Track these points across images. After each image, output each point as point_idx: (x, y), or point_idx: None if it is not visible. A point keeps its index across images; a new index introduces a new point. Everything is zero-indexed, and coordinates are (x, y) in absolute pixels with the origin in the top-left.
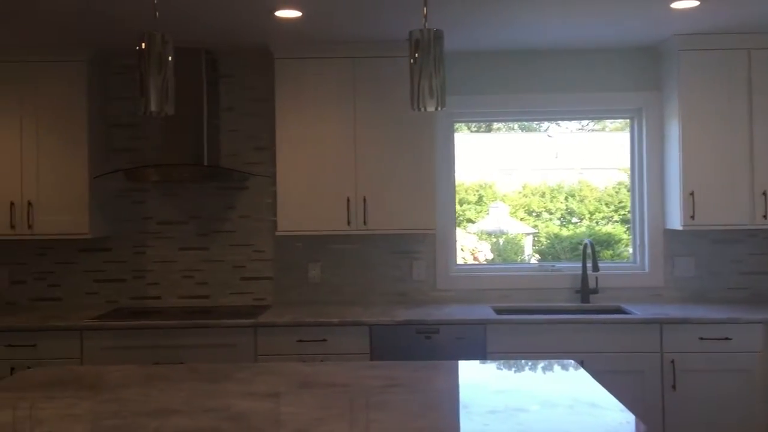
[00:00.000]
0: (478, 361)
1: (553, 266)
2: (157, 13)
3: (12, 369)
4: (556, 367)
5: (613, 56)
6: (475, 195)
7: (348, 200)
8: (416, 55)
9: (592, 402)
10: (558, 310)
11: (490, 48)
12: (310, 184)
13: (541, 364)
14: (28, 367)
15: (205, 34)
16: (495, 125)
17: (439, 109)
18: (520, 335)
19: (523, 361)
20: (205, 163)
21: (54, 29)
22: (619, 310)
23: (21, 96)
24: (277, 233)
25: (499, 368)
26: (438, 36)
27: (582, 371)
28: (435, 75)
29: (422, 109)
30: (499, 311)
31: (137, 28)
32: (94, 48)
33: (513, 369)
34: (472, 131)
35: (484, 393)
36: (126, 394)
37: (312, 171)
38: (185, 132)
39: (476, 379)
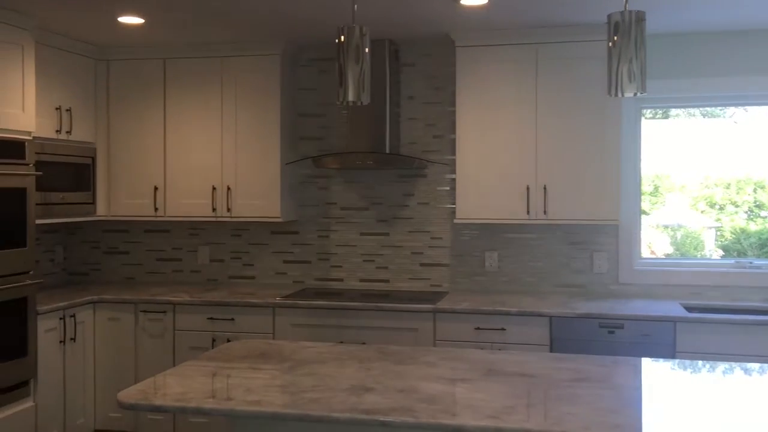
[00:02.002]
0: (671, 361)
1: (751, 263)
2: (356, 6)
3: (213, 340)
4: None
5: None
6: (650, 185)
7: (528, 189)
8: (615, 38)
9: None
10: (756, 311)
11: (676, 30)
12: (490, 172)
13: (747, 367)
14: (228, 340)
15: (389, 24)
16: (673, 111)
17: (639, 94)
18: (714, 335)
19: (723, 363)
20: (387, 151)
21: (251, 26)
22: None
23: (222, 89)
24: (455, 221)
25: (692, 369)
26: (639, 18)
27: None
28: (635, 59)
29: (620, 95)
30: (689, 308)
31: (328, 22)
32: (285, 42)
33: (707, 369)
34: (647, 118)
35: (678, 393)
36: (322, 369)
37: (491, 159)
38: (369, 121)
39: (671, 378)
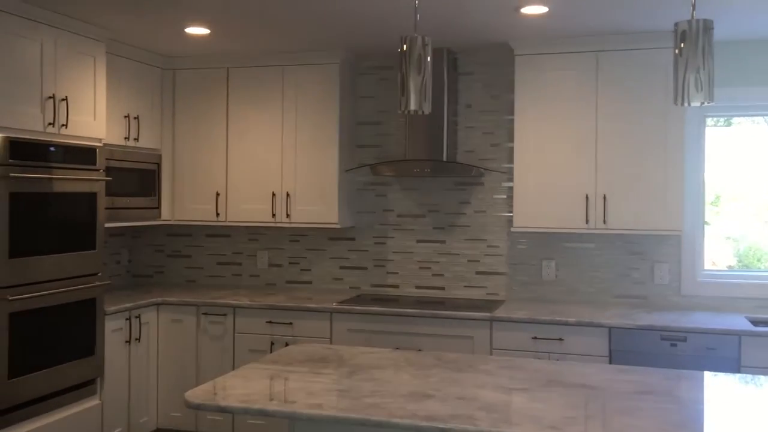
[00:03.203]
0: (738, 375)
1: None
2: (418, 16)
3: (272, 343)
4: None
5: None
6: (711, 194)
7: (587, 198)
8: (682, 46)
9: None
10: None
11: (741, 37)
12: (548, 180)
13: None
14: (286, 344)
15: (448, 33)
16: (735, 119)
17: (706, 103)
18: None
19: None
20: (444, 159)
21: (311, 35)
22: None
23: (282, 97)
24: (512, 229)
25: (758, 384)
26: (707, 26)
27: None
28: (702, 68)
29: (687, 104)
30: (755, 322)
31: (387, 31)
32: (344, 51)
33: None
34: (707, 126)
35: (745, 409)
36: (381, 375)
37: (550, 167)
38: (426, 129)
39: (738, 393)
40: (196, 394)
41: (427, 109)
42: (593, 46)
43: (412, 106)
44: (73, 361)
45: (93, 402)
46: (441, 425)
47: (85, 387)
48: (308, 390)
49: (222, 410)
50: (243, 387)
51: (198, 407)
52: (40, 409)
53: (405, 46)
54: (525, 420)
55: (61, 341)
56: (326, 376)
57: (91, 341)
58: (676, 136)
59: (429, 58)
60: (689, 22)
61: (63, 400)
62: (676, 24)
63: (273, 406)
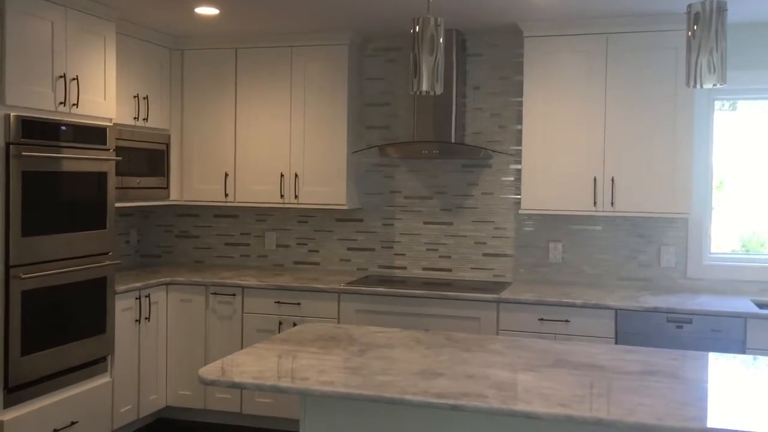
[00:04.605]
0: (745, 356)
1: None
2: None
3: (280, 323)
4: None
5: None
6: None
7: (595, 180)
8: (695, 28)
9: None
10: None
11: (752, 20)
12: (556, 162)
13: None
14: (294, 324)
15: (458, 14)
16: (740, 104)
17: (719, 85)
18: None
19: None
20: (452, 141)
21: (320, 16)
22: None
23: (291, 77)
24: (520, 211)
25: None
26: (721, 8)
27: None
28: (715, 50)
29: (699, 86)
30: (761, 305)
31: (396, 12)
32: (353, 32)
33: None
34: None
35: (752, 389)
36: (392, 354)
37: (558, 149)
38: (434, 110)
39: (745, 373)
40: (210, 371)
41: (439, 89)
42: (603, 28)
43: (425, 87)
44: (84, 339)
45: (104, 379)
46: (452, 402)
47: (95, 365)
48: (320, 368)
49: (235, 386)
50: (255, 364)
51: (212, 383)
52: (52, 386)
53: (417, 27)
54: (534, 398)
55: (73, 319)
56: (337, 354)
57: (101, 320)
58: (685, 119)
59: (441, 39)
60: (702, 3)
61: (74, 378)
62: (689, 6)
63: (286, 383)
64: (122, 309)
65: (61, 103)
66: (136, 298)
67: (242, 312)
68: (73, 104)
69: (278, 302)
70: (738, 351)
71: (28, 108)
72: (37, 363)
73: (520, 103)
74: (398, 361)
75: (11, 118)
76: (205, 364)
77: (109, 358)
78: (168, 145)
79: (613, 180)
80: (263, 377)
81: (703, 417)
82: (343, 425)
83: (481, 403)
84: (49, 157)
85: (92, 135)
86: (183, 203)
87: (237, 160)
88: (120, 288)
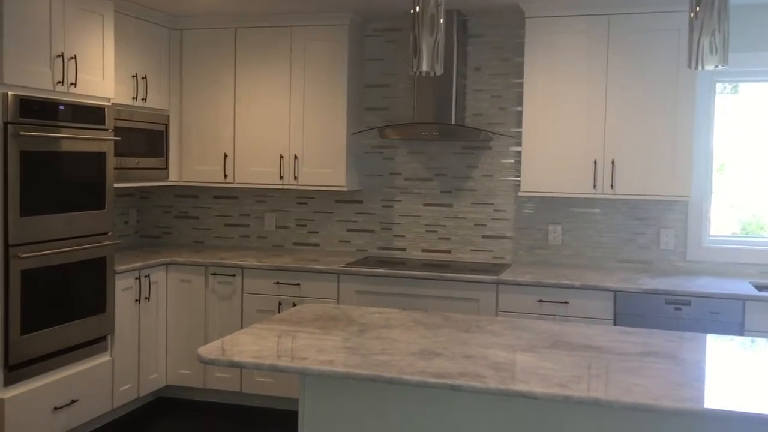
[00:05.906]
0: (743, 338)
1: None
2: None
3: (279, 304)
4: None
5: None
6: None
7: (595, 163)
8: (697, 8)
9: None
10: None
11: (748, 2)
12: (556, 144)
13: None
14: (294, 304)
15: None
16: (741, 87)
17: (720, 67)
18: None
19: None
20: (452, 123)
21: None
22: None
23: (290, 58)
24: (520, 193)
25: (763, 346)
26: None
27: None
28: (718, 31)
29: (701, 67)
30: (759, 287)
31: None
32: (352, 12)
33: None
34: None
35: (750, 370)
36: (390, 334)
37: (558, 131)
38: (434, 92)
39: (743, 354)
40: (209, 350)
41: (439, 70)
42: (605, 8)
43: (425, 67)
44: (84, 319)
45: (104, 358)
46: (450, 382)
47: (96, 344)
48: (319, 347)
49: (234, 365)
50: (254, 344)
51: (212, 362)
52: (52, 364)
53: (418, 7)
54: (532, 378)
55: (72, 299)
56: (336, 334)
57: (101, 299)
58: (686, 102)
59: (442, 19)
60: None
61: (74, 356)
62: None
63: (284, 362)
64: (122, 289)
65: (59, 82)
66: (136, 278)
67: (242, 292)
68: (72, 83)
69: (278, 283)
70: (736, 333)
71: (26, 87)
72: (37, 342)
73: (521, 85)
74: (397, 342)
75: (9, 97)
76: (205, 343)
77: (109, 337)
78: (167, 126)
79: (613, 162)
80: (262, 356)
81: (700, 398)
82: (342, 404)
83: (480, 383)
84: (47, 136)
85: (91, 115)
86: (182, 184)
87: (236, 142)
88: (120, 268)
